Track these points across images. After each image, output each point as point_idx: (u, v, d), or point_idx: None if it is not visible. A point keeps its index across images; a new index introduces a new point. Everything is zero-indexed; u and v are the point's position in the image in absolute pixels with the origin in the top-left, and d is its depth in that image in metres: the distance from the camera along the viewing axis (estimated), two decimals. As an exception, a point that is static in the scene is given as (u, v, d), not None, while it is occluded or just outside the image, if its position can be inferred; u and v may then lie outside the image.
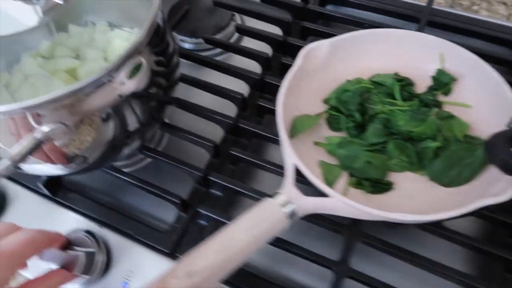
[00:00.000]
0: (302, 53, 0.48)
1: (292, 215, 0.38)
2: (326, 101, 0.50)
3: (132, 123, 0.43)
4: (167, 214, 0.48)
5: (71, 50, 0.55)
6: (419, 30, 0.60)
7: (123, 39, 0.55)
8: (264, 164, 0.48)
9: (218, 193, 0.48)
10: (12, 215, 0.48)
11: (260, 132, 0.50)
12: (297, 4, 0.65)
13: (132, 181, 0.48)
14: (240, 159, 0.49)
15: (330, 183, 0.44)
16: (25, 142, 0.36)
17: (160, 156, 0.48)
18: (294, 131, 0.45)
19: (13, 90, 0.51)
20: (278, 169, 0.46)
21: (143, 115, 0.44)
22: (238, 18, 0.68)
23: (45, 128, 0.36)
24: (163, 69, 0.45)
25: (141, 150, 0.49)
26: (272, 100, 0.55)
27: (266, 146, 0.54)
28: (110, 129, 0.42)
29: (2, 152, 0.41)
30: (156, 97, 0.45)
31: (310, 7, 0.63)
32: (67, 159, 0.42)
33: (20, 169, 0.43)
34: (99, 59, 0.54)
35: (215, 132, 0.53)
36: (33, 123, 0.37)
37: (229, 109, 0.54)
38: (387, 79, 0.48)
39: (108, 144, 0.43)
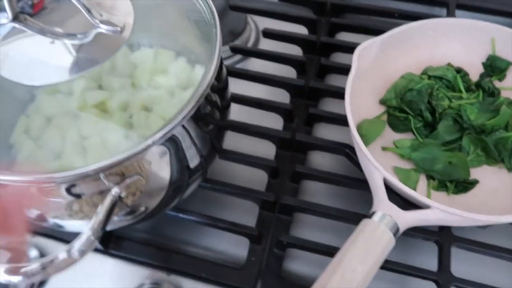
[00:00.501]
0: (356, 54, 0.45)
1: (396, 232, 0.36)
2: (383, 101, 0.47)
3: (194, 158, 0.38)
4: (236, 247, 0.44)
5: (91, 80, 0.48)
6: (449, 14, 0.58)
7: (148, 59, 0.50)
8: (335, 178, 0.44)
9: (287, 217, 0.45)
10: (62, 277, 0.42)
11: (318, 143, 0.47)
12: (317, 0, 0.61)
13: (195, 218, 0.43)
14: (305, 175, 0.45)
15: (412, 189, 0.42)
16: (104, 206, 0.31)
17: (222, 186, 0.44)
18: (365, 140, 0.42)
19: (36, 136, 0.45)
20: (353, 182, 0.44)
21: (204, 147, 0.39)
22: (250, 20, 0.64)
23: (123, 184, 0.32)
24: (218, 94, 0.41)
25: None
26: (316, 106, 0.52)
27: (318, 156, 0.51)
28: (174, 171, 0.37)
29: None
30: (215, 122, 0.40)
31: (333, 1, 0.60)
32: (128, 212, 0.38)
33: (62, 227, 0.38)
34: (127, 86, 0.48)
35: (265, 151, 0.49)
36: (106, 182, 0.32)
37: (275, 121, 0.51)
38: (445, 71, 0.46)
39: (171, 187, 0.38)
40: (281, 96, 0.54)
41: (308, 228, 0.45)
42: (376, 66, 0.48)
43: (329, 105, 0.53)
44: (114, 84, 0.48)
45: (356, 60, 0.45)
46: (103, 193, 0.33)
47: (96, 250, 0.44)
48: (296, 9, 0.62)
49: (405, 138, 0.45)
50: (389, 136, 0.46)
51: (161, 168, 0.35)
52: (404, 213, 0.36)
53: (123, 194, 0.32)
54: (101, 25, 0.36)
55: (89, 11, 0.35)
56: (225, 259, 0.44)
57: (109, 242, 0.44)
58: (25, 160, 0.43)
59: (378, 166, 0.38)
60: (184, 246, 0.45)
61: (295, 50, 0.58)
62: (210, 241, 0.45)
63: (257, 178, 0.47)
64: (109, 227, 0.39)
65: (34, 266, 0.30)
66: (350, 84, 0.43)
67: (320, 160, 0.49)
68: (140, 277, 0.42)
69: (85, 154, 0.43)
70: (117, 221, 0.39)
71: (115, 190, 0.32)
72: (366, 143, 0.42)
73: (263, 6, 0.60)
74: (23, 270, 0.30)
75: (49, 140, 0.44)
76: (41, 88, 0.48)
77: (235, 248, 0.44)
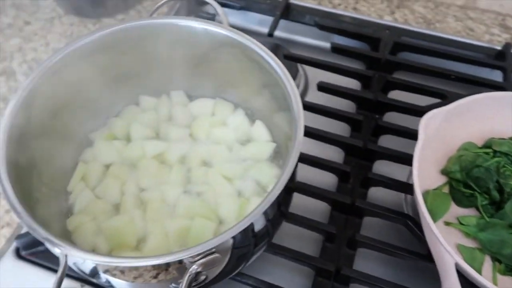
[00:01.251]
0: (422, 125, 0.44)
1: (469, 326, 0.35)
2: (445, 172, 0.46)
3: (264, 228, 0.37)
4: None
5: (149, 129, 0.48)
6: (505, 78, 0.58)
7: (207, 111, 0.49)
8: (394, 250, 0.43)
9: (344, 286, 0.43)
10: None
11: (377, 210, 0.46)
12: (371, 54, 0.61)
13: (253, 283, 0.42)
14: (363, 244, 0.44)
15: (477, 270, 0.40)
16: (183, 285, 0.30)
17: (282, 251, 0.43)
18: (432, 216, 0.41)
19: (94, 184, 0.44)
20: (413, 256, 0.43)
21: (274, 216, 0.38)
22: (300, 68, 0.64)
23: (201, 262, 0.31)
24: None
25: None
26: (371, 167, 0.52)
27: (374, 221, 0.50)
28: (245, 243, 0.36)
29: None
30: (286, 191, 0.39)
31: (388, 57, 0.59)
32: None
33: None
34: (185, 138, 0.48)
35: (321, 211, 0.48)
36: (188, 261, 0.31)
37: (329, 178, 0.50)
38: (510, 146, 0.45)
39: (239, 257, 0.37)
40: (332, 154, 0.53)
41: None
42: (437, 135, 0.47)
43: (383, 167, 0.52)
44: (172, 134, 0.47)
45: (423, 130, 0.44)
46: (180, 265, 0.32)
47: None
48: (348, 61, 0.61)
49: (469, 214, 0.44)
50: (452, 210, 0.44)
51: (235, 244, 0.34)
52: (479, 304, 0.35)
53: (200, 269, 0.31)
54: None
55: None
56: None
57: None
58: (83, 210, 0.42)
59: (450, 250, 0.37)
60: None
61: (345, 104, 0.57)
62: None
63: (311, 240, 0.46)
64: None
65: None
66: (417, 155, 0.42)
67: (375, 224, 0.48)
68: None
69: (143, 209, 0.42)
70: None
71: (194, 268, 0.31)
72: (433, 219, 0.41)
73: (317, 58, 0.59)
74: None
75: (107, 190, 0.44)
76: (98, 133, 0.47)
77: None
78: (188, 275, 0.30)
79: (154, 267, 0.33)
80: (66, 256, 0.31)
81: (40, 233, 0.31)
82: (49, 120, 0.41)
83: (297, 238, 0.47)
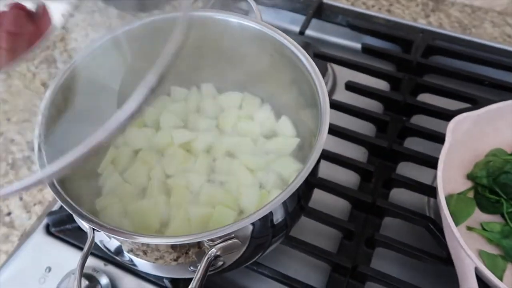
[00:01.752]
0: (450, 128, 0.44)
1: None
2: (472, 177, 0.46)
3: (283, 220, 0.38)
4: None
5: (178, 118, 0.49)
6: (542, 87, 0.56)
7: (235, 104, 0.50)
8: (413, 252, 0.43)
9: (359, 283, 0.44)
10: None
11: (399, 211, 0.46)
12: (402, 56, 0.60)
13: (268, 273, 0.43)
14: (381, 243, 0.44)
15: (498, 277, 0.40)
16: (202, 267, 0.31)
17: (300, 245, 0.43)
18: (455, 220, 0.41)
19: (123, 169, 0.46)
20: (432, 259, 0.42)
21: (293, 209, 0.39)
22: (329, 67, 0.64)
23: (220, 246, 0.32)
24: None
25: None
26: (395, 168, 0.51)
27: (394, 221, 0.50)
28: (264, 233, 0.37)
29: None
30: (307, 185, 0.40)
31: (419, 60, 0.59)
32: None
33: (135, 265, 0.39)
34: (212, 128, 0.49)
35: (342, 208, 0.48)
36: (207, 244, 0.32)
37: (351, 177, 0.50)
38: (540, 154, 0.44)
39: (257, 246, 0.38)
40: (356, 153, 0.53)
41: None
42: (465, 139, 0.46)
43: (407, 169, 0.52)
44: (200, 124, 0.49)
45: (451, 133, 0.43)
46: (199, 250, 0.33)
47: (166, 289, 0.44)
48: (378, 63, 0.61)
49: (493, 220, 0.43)
50: (476, 215, 0.44)
51: (254, 232, 0.35)
52: (497, 310, 0.34)
53: (219, 253, 0.32)
54: None
55: None
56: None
57: (179, 283, 0.44)
58: (111, 192, 0.44)
59: (471, 254, 0.36)
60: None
61: (372, 105, 0.57)
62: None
63: (330, 237, 0.46)
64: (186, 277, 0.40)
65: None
66: (443, 158, 0.42)
67: (395, 225, 0.48)
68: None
69: (168, 194, 0.44)
70: (192, 272, 0.39)
71: (213, 251, 0.32)
72: (456, 223, 0.41)
73: (347, 57, 0.59)
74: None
75: (135, 175, 0.45)
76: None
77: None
78: (207, 257, 0.31)
79: (175, 249, 0.35)
80: (93, 231, 0.33)
81: (72, 206, 0.33)
82: (85, 104, 0.43)
83: (315, 234, 0.47)
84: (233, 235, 0.33)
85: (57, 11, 0.42)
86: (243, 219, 0.31)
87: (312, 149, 0.36)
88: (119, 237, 0.32)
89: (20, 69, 0.65)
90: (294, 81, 0.45)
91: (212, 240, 0.32)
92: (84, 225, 0.34)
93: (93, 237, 0.33)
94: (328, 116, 0.37)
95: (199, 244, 0.32)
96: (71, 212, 0.32)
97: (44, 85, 0.63)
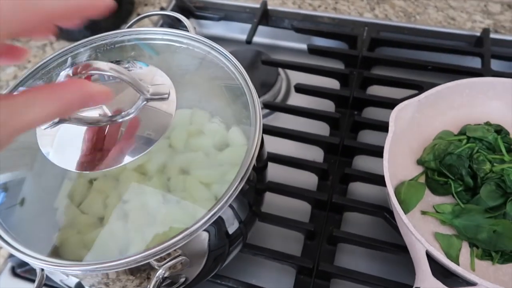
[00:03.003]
0: (393, 116, 0.45)
1: (442, 313, 0.35)
2: (421, 162, 0.47)
3: (236, 228, 0.39)
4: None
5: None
6: (484, 65, 0.58)
7: (185, 121, 0.51)
8: (373, 243, 0.44)
9: (325, 282, 0.44)
10: None
11: (355, 205, 0.47)
12: (347, 52, 0.62)
13: (232, 285, 0.43)
14: (343, 239, 0.45)
15: (454, 258, 0.40)
16: (150, 288, 0.31)
17: (261, 252, 0.44)
18: (405, 207, 0.42)
19: (79, 200, 0.46)
20: (392, 248, 0.43)
21: (245, 215, 0.40)
22: (281, 71, 0.65)
23: (167, 265, 0.32)
24: (258, 163, 0.42)
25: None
26: (351, 163, 0.52)
27: (354, 216, 0.50)
28: (217, 244, 0.37)
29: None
30: (256, 189, 0.41)
31: (364, 54, 0.60)
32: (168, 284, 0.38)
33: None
34: (165, 148, 0.49)
35: (302, 210, 0.49)
36: (155, 265, 0.32)
37: (310, 178, 0.51)
38: (485, 132, 0.45)
39: (214, 259, 0.38)
40: (315, 153, 0.54)
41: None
42: (412, 126, 0.47)
43: (364, 162, 0.53)
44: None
45: (393, 122, 0.44)
46: (146, 272, 0.33)
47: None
48: (327, 62, 0.62)
49: (445, 202, 0.44)
50: (428, 199, 0.45)
51: (205, 245, 0.35)
52: (450, 290, 0.35)
53: (167, 274, 0.33)
54: (151, 96, 0.37)
55: (137, 85, 0.36)
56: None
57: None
58: (69, 225, 0.45)
59: (421, 238, 0.37)
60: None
61: (326, 104, 0.58)
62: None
63: (294, 239, 0.47)
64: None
65: None
66: (387, 147, 0.43)
67: (356, 219, 0.49)
68: None
69: (126, 219, 0.44)
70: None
71: (160, 273, 0.32)
72: (406, 209, 0.42)
73: (295, 61, 0.60)
74: None
75: (91, 205, 0.45)
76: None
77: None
78: (155, 280, 0.32)
79: (135, 275, 0.35)
80: (41, 270, 0.33)
81: (14, 248, 0.33)
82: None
83: (279, 238, 0.48)
84: (179, 252, 0.33)
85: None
86: (180, 232, 0.32)
87: (246, 153, 0.37)
88: (67, 271, 0.33)
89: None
90: (235, 94, 0.46)
91: (158, 260, 0.32)
92: (31, 265, 0.34)
93: (42, 275, 0.33)
94: (259, 119, 0.38)
95: (147, 265, 0.33)
96: (12, 252, 0.32)
97: None
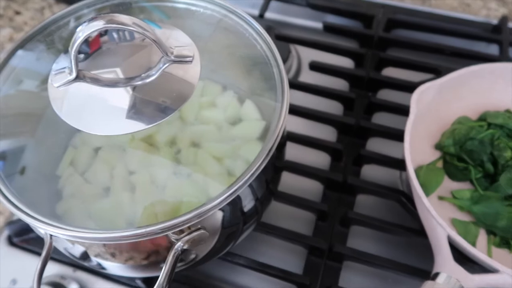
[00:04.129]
0: (414, 99, 0.43)
1: (463, 298, 0.34)
2: (439, 147, 0.46)
3: (252, 206, 0.37)
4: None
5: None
6: (502, 52, 0.57)
7: (196, 93, 0.49)
8: (387, 226, 0.43)
9: (337, 264, 0.43)
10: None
11: (370, 187, 0.46)
12: (364, 32, 0.60)
13: (244, 263, 0.42)
14: (356, 221, 0.44)
15: (471, 243, 0.40)
16: (169, 263, 0.30)
17: (273, 230, 0.42)
18: (425, 191, 0.40)
19: (83, 169, 0.44)
20: (407, 232, 0.42)
21: (262, 194, 0.38)
22: (292, 49, 0.63)
23: (187, 239, 0.30)
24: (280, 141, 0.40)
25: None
26: (365, 145, 0.51)
27: (367, 198, 0.49)
28: (233, 221, 0.36)
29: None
30: (274, 168, 0.39)
31: (381, 34, 0.58)
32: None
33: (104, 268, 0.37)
34: (175, 120, 0.47)
35: (315, 190, 0.48)
36: (172, 238, 0.30)
37: (322, 158, 0.49)
38: (506, 120, 0.44)
39: (228, 236, 0.37)
40: (326, 133, 0.52)
41: (359, 275, 0.44)
42: (430, 109, 0.46)
43: (377, 145, 0.51)
44: (160, 117, 0.47)
45: (415, 104, 0.43)
46: (168, 245, 0.32)
47: (139, 288, 0.42)
48: (341, 41, 0.61)
49: (463, 188, 0.43)
50: (446, 184, 0.44)
51: (223, 221, 0.34)
52: (472, 276, 0.34)
53: (186, 247, 0.31)
54: (174, 58, 0.34)
55: (161, 44, 0.33)
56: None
57: (152, 282, 0.42)
58: (72, 194, 0.42)
59: (443, 223, 0.36)
60: (229, 286, 0.43)
61: (338, 83, 0.56)
62: (256, 283, 0.43)
63: (304, 220, 0.46)
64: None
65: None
66: (409, 130, 0.42)
67: (369, 202, 0.48)
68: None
69: (133, 191, 0.42)
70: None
71: (179, 245, 0.30)
72: (425, 194, 0.41)
73: (309, 37, 0.58)
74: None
75: (96, 175, 0.43)
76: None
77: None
78: (173, 252, 0.30)
79: (144, 248, 0.33)
80: (50, 236, 0.31)
81: (25, 213, 0.31)
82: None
83: (290, 218, 0.46)
84: (199, 225, 0.31)
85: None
86: (204, 205, 0.30)
87: (272, 130, 0.35)
88: (79, 240, 0.31)
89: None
90: (254, 64, 0.44)
91: (177, 233, 0.30)
92: (40, 231, 0.32)
93: (51, 243, 0.31)
94: (287, 94, 0.36)
95: (165, 239, 0.31)
96: (23, 219, 0.30)
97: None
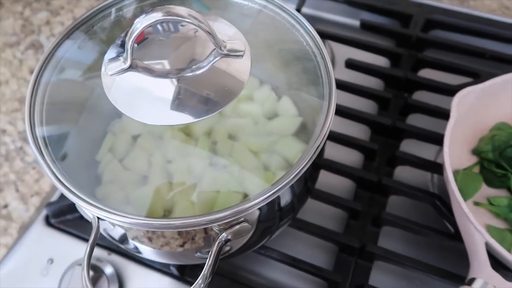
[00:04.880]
0: (455, 102, 0.43)
1: (499, 306, 0.34)
2: (477, 152, 0.45)
3: (290, 202, 0.37)
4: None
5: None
6: (543, 58, 0.55)
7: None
8: (421, 229, 0.43)
9: (367, 263, 0.43)
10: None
11: (405, 189, 0.45)
12: (401, 31, 0.59)
13: (277, 256, 0.42)
14: (388, 222, 0.44)
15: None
16: (213, 253, 0.30)
17: (306, 226, 0.43)
18: (463, 196, 0.40)
19: (121, 155, 0.44)
20: (441, 236, 0.42)
21: (300, 191, 0.38)
22: (326, 45, 0.62)
23: (231, 230, 0.31)
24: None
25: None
26: (398, 146, 0.51)
27: (399, 200, 0.49)
28: (272, 216, 0.36)
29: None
30: (314, 165, 0.39)
31: (419, 35, 0.57)
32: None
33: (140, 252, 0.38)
34: (212, 112, 0.48)
35: (346, 188, 0.48)
36: (217, 229, 0.31)
37: (355, 156, 0.49)
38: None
39: (265, 230, 0.37)
40: (357, 131, 0.52)
41: (386, 275, 0.44)
42: (470, 113, 0.45)
43: (410, 147, 0.51)
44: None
45: (456, 108, 0.43)
46: (206, 235, 0.32)
47: (172, 275, 0.43)
48: (376, 39, 0.60)
49: (500, 195, 0.43)
50: (482, 190, 0.43)
51: (262, 215, 0.34)
52: (510, 284, 0.34)
53: (230, 237, 0.31)
54: (227, 52, 0.34)
55: (215, 37, 0.33)
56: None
57: (185, 269, 0.43)
58: (110, 182, 0.43)
59: (481, 229, 0.36)
60: (259, 279, 0.44)
61: (372, 82, 0.56)
62: (284, 278, 0.44)
63: (335, 218, 0.46)
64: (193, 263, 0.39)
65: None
66: (449, 134, 0.41)
67: (400, 203, 0.48)
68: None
69: (171, 179, 0.43)
70: (199, 258, 0.38)
71: (223, 236, 0.31)
72: (463, 199, 0.40)
73: (346, 34, 0.58)
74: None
75: (134, 162, 0.44)
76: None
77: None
78: (218, 242, 0.31)
79: (181, 235, 0.34)
80: (98, 219, 0.32)
81: (76, 195, 0.31)
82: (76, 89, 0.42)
83: (320, 216, 0.46)
84: (242, 218, 0.32)
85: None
86: (252, 199, 0.30)
87: (318, 128, 0.35)
88: (133, 226, 0.31)
89: (5, 55, 0.62)
90: (294, 58, 0.44)
91: (221, 224, 0.31)
92: (88, 214, 0.32)
93: (99, 226, 0.32)
94: (335, 93, 0.36)
95: (206, 229, 0.32)
96: (75, 201, 0.31)
97: (32, 72, 0.61)
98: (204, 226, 0.30)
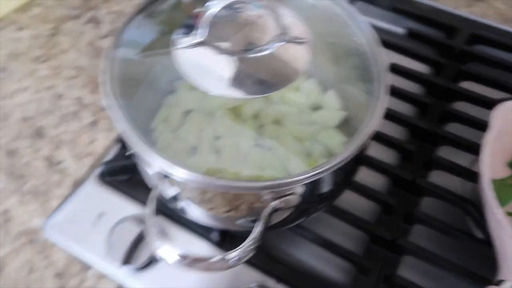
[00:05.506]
0: (496, 114, 0.45)
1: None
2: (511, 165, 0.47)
3: (330, 188, 0.39)
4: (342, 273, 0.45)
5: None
6: None
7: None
8: (453, 231, 0.44)
9: (396, 256, 0.45)
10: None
11: (440, 192, 0.47)
12: (446, 42, 0.61)
13: (310, 236, 0.44)
14: (421, 220, 0.46)
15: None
16: (264, 217, 0.33)
17: (341, 213, 0.45)
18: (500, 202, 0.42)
19: (174, 127, 0.47)
20: (473, 241, 0.43)
21: (341, 179, 0.40)
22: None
23: (282, 199, 0.33)
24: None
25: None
26: (434, 151, 0.52)
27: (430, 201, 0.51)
28: (314, 196, 0.38)
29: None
30: (358, 158, 0.41)
31: (463, 47, 0.59)
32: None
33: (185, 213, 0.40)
34: (260, 97, 0.50)
35: (379, 186, 0.50)
36: (270, 195, 0.33)
37: (390, 154, 0.51)
38: None
39: (304, 209, 0.39)
40: (395, 132, 0.54)
41: (411, 270, 0.45)
42: (508, 126, 0.47)
43: (444, 153, 0.53)
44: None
45: (495, 120, 0.44)
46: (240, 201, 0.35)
47: (212, 241, 0.45)
48: (419, 47, 0.62)
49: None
50: (514, 200, 0.45)
51: (308, 194, 0.36)
52: (535, 287, 0.36)
53: (279, 206, 0.34)
54: (290, 38, 0.37)
55: (279, 22, 0.35)
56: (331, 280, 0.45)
57: (224, 241, 0.46)
58: (163, 149, 0.46)
59: (513, 233, 0.38)
60: (290, 258, 0.46)
61: (412, 88, 0.58)
62: (319, 260, 0.46)
63: (370, 211, 0.48)
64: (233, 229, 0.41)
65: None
66: (490, 144, 0.43)
67: (430, 206, 0.49)
68: (249, 279, 0.43)
69: (219, 155, 0.46)
70: (240, 225, 0.40)
71: (275, 203, 0.33)
72: (501, 205, 0.42)
73: (391, 39, 0.60)
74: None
75: (185, 134, 0.47)
76: (182, 82, 0.51)
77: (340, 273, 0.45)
78: (269, 208, 0.33)
79: (230, 200, 0.36)
80: (164, 176, 0.35)
81: (147, 150, 0.34)
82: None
83: (354, 207, 0.48)
84: (292, 191, 0.34)
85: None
86: (311, 170, 0.32)
87: (365, 124, 0.37)
88: (202, 185, 0.34)
89: (67, 27, 0.66)
90: (345, 53, 0.46)
91: (276, 191, 0.33)
92: (152, 171, 0.35)
93: (164, 179, 0.34)
94: (387, 91, 0.38)
95: (253, 199, 0.34)
96: (143, 156, 0.34)
97: (91, 44, 0.64)
98: (265, 191, 0.32)
